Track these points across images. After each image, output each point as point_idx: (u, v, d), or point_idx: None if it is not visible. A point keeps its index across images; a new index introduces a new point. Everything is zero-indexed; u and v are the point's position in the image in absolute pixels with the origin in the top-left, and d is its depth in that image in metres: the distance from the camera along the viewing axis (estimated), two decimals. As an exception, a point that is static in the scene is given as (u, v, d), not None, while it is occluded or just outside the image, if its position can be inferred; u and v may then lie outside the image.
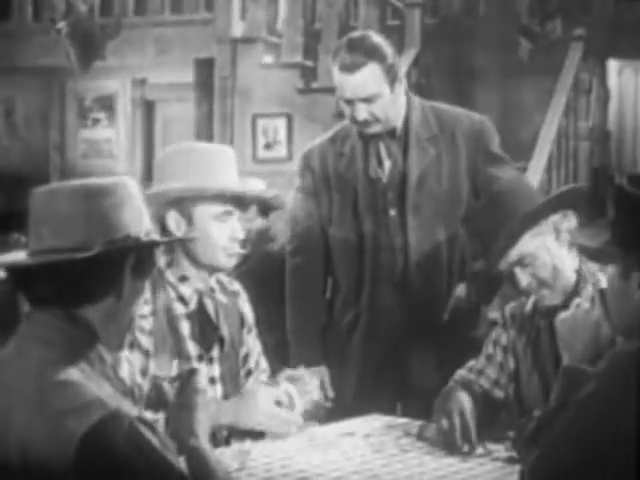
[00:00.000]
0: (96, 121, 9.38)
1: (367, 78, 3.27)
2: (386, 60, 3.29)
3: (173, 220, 2.80)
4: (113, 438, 1.78)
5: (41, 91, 9.43)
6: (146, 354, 2.78)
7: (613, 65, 7.63)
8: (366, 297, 3.46)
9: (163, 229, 2.81)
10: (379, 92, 3.29)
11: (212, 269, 2.89)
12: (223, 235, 2.83)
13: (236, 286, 3.05)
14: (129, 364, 2.75)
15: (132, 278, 1.98)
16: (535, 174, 5.95)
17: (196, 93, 8.08)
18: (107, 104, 9.31)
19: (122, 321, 2.00)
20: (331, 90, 7.32)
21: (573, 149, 6.81)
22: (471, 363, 3.07)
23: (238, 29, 7.63)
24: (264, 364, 3.12)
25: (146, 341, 2.78)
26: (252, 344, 3.07)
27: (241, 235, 2.86)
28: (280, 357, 3.22)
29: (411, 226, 3.41)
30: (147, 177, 8.76)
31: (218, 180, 2.83)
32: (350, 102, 3.30)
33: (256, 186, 2.94)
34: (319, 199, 3.49)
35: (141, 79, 9.11)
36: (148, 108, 9.27)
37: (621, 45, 7.23)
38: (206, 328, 2.89)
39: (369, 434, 2.88)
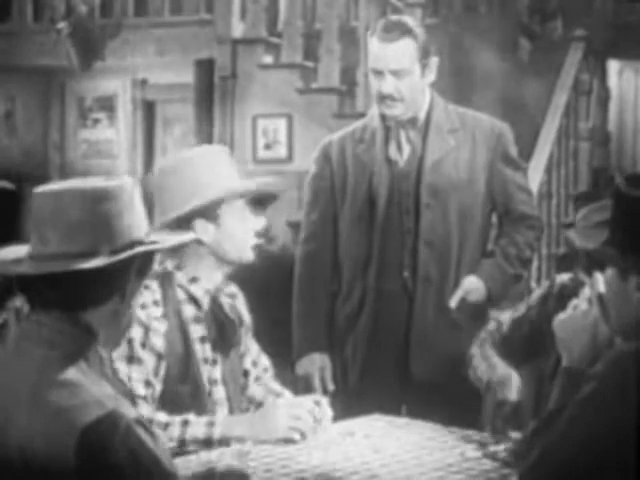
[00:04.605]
0: (96, 121, 9.38)
1: (401, 50, 3.39)
2: (421, 40, 3.41)
3: (201, 228, 2.85)
4: (109, 438, 1.78)
5: (41, 91, 9.43)
6: (159, 356, 2.79)
7: (613, 65, 7.63)
8: (372, 279, 3.48)
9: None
10: (410, 68, 3.39)
11: (236, 264, 2.94)
12: (249, 231, 2.91)
13: (233, 288, 3.07)
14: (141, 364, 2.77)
15: (135, 279, 1.99)
16: (535, 174, 5.95)
17: (196, 93, 8.07)
18: (107, 104, 9.32)
19: (123, 320, 2.01)
20: (331, 90, 7.40)
21: (573, 149, 6.81)
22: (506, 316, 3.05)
23: (238, 30, 7.62)
24: (265, 362, 3.13)
25: (160, 343, 2.79)
26: (249, 344, 3.10)
27: (260, 227, 2.94)
28: (277, 361, 3.21)
29: (424, 207, 3.44)
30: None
31: (233, 180, 2.91)
32: (380, 74, 3.40)
33: (265, 183, 3.09)
34: (333, 186, 3.55)
35: (141, 79, 9.11)
36: (148, 108, 9.27)
37: (621, 45, 7.23)
38: (226, 328, 2.92)
39: (369, 434, 2.88)
